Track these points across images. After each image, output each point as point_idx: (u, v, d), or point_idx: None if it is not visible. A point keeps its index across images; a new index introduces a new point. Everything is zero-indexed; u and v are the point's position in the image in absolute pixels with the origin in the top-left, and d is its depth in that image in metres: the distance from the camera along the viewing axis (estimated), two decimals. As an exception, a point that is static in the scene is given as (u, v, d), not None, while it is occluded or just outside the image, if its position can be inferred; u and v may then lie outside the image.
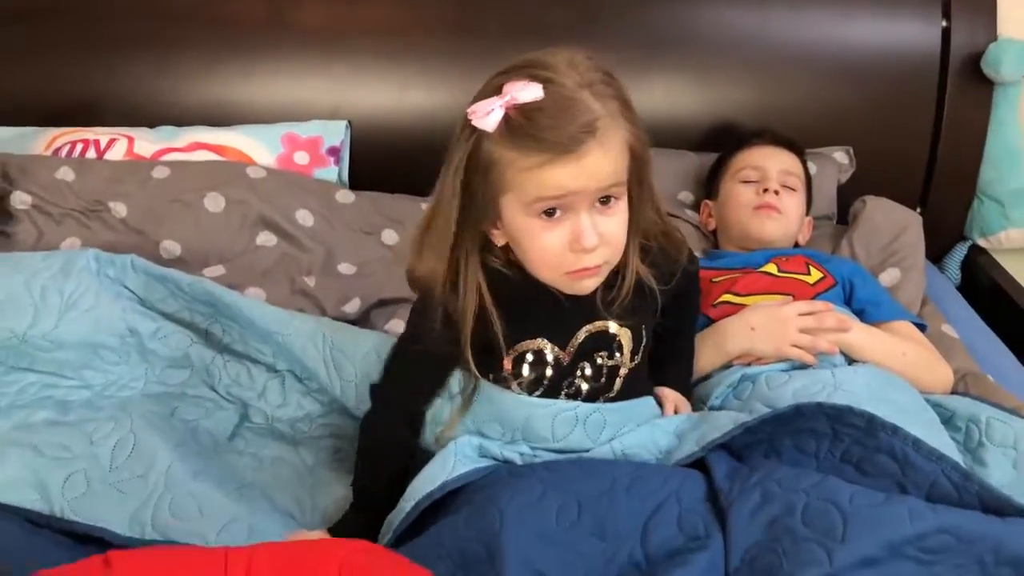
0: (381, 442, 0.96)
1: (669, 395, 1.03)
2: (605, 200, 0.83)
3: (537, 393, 0.93)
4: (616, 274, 0.90)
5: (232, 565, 0.59)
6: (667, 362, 1.05)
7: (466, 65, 1.51)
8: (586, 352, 0.92)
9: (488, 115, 0.79)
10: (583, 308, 0.91)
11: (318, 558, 0.59)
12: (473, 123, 0.80)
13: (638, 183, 0.87)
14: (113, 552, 0.60)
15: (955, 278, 1.66)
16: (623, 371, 0.94)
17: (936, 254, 1.67)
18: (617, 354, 0.93)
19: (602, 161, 0.80)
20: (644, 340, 0.96)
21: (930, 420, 1.02)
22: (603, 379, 0.94)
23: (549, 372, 0.92)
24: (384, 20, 1.65)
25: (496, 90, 0.80)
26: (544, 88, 0.79)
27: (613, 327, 0.92)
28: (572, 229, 0.82)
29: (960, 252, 1.67)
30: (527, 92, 0.78)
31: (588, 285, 0.88)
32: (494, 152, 0.81)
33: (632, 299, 0.92)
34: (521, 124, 0.78)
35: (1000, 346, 1.36)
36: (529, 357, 0.92)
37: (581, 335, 0.92)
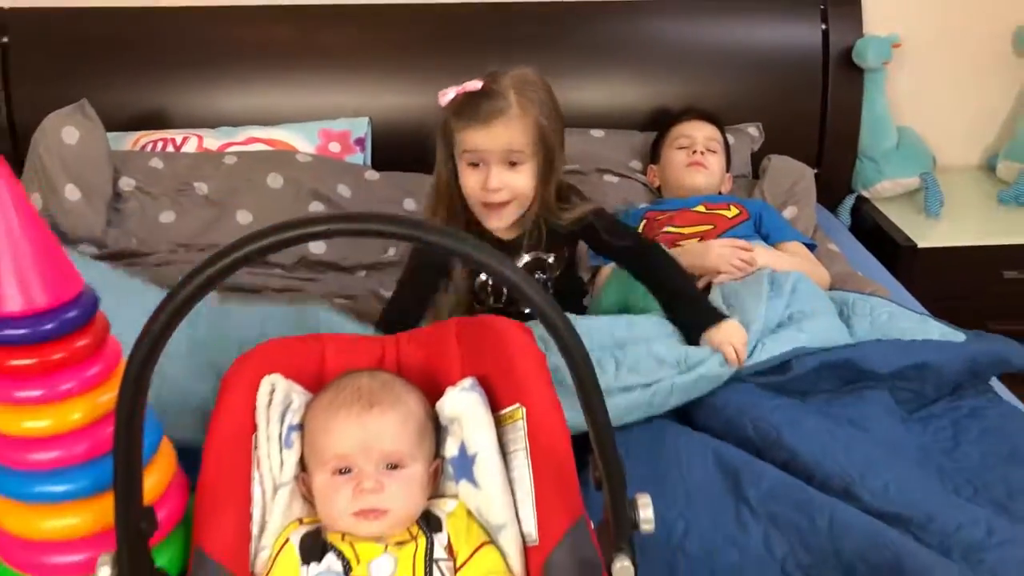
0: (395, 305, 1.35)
1: (715, 341, 1.22)
2: (513, 163, 1.23)
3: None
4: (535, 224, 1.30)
5: (387, 345, 1.01)
6: (672, 304, 1.29)
7: (455, 72, 1.94)
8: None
9: (446, 96, 1.25)
10: (511, 248, 1.32)
11: (438, 329, 1.00)
12: (439, 101, 1.25)
13: (545, 159, 1.25)
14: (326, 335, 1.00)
15: (846, 222, 2.12)
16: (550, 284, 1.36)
17: (831, 204, 2.13)
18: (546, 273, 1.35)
19: (504, 133, 1.20)
20: (562, 263, 1.36)
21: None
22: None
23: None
24: (391, 39, 2.06)
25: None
26: (484, 83, 1.23)
27: (526, 257, 1.33)
28: (484, 175, 1.23)
29: (849, 201, 2.14)
30: (472, 84, 1.23)
31: (494, 222, 1.28)
32: (449, 122, 1.25)
33: (547, 239, 1.31)
34: (462, 103, 1.23)
35: (868, 255, 1.85)
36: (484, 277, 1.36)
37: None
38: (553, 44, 2.05)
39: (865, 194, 2.14)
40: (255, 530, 0.87)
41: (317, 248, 1.73)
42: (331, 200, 1.84)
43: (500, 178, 1.23)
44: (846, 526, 0.99)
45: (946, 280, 1.92)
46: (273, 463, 0.90)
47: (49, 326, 0.78)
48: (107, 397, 0.83)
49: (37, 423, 0.81)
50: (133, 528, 0.72)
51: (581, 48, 2.06)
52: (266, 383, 0.93)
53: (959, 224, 2.02)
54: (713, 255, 1.51)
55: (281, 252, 1.56)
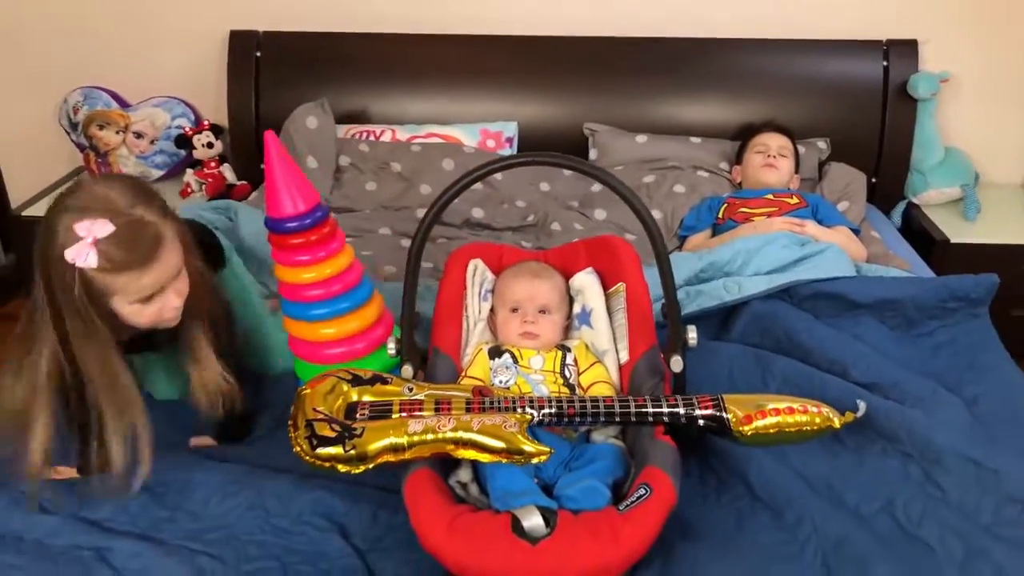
0: None
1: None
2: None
3: None
4: None
5: (538, 254, 1.60)
6: None
7: (585, 90, 2.56)
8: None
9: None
10: None
11: (571, 245, 1.59)
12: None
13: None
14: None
15: (897, 223, 2.59)
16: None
17: (886, 208, 2.61)
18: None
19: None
20: None
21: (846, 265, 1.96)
22: None
23: None
24: (536, 63, 2.64)
25: None
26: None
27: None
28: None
29: (900, 206, 2.60)
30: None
31: None
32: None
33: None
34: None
35: (906, 244, 2.32)
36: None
37: None
38: (664, 71, 2.62)
39: (915, 201, 2.60)
40: (463, 344, 1.47)
41: (477, 212, 2.35)
42: (487, 181, 2.45)
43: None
44: (832, 386, 1.50)
45: (973, 271, 2.34)
46: (474, 308, 1.51)
47: (308, 220, 1.39)
48: (343, 259, 1.44)
49: (308, 275, 1.43)
50: (409, 323, 1.34)
51: (687, 75, 2.61)
52: (471, 264, 1.54)
53: (991, 227, 2.45)
54: (776, 225, 2.05)
55: (452, 214, 2.20)
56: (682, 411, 1.21)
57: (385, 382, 1.28)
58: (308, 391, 1.23)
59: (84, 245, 1.14)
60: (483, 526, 1.10)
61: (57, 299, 1.17)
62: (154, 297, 1.23)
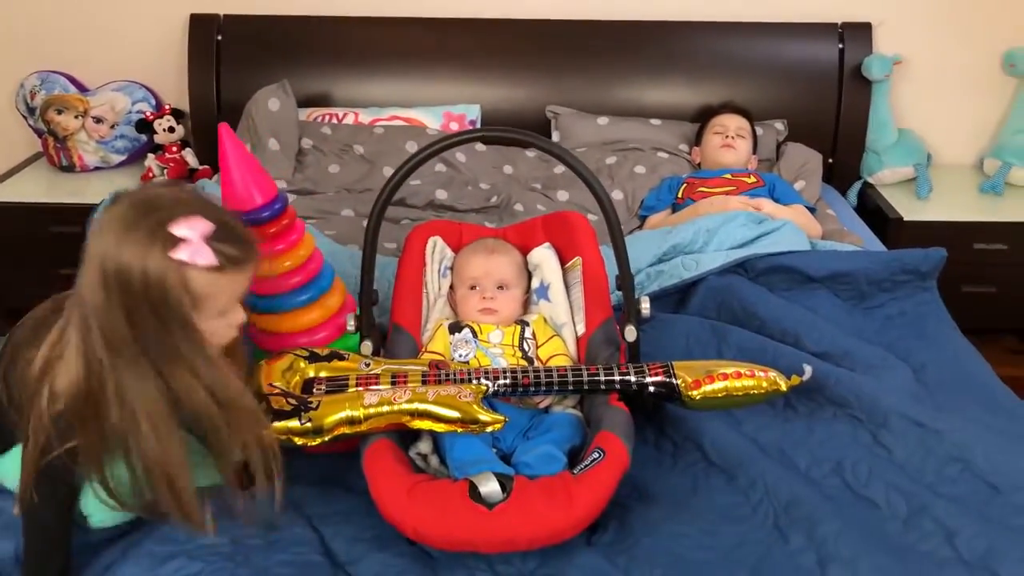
0: None
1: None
2: None
3: None
4: None
5: (497, 231, 1.62)
6: None
7: (547, 73, 2.58)
8: None
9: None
10: None
11: (529, 222, 1.61)
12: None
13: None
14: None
15: (853, 202, 2.64)
16: None
17: (841, 188, 2.66)
18: None
19: None
20: None
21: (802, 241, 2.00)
22: None
23: None
24: (499, 46, 2.66)
25: None
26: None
27: None
28: None
29: (856, 186, 2.66)
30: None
31: None
32: None
33: None
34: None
35: (860, 222, 2.38)
36: None
37: None
38: (625, 54, 2.65)
39: (870, 180, 2.66)
40: (423, 321, 1.49)
41: (441, 193, 2.36)
42: (450, 162, 2.47)
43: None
44: (785, 355, 1.54)
45: (926, 248, 2.42)
46: (433, 285, 1.52)
47: (266, 213, 1.34)
48: (303, 251, 1.42)
49: (284, 264, 1.43)
50: (367, 299, 1.35)
51: (647, 57, 2.64)
52: (431, 241, 1.56)
53: (942, 206, 2.51)
54: (732, 204, 2.09)
55: (416, 195, 2.21)
56: (633, 378, 1.24)
57: (342, 358, 1.30)
58: (264, 367, 1.24)
59: (196, 244, 1.01)
60: (441, 493, 1.12)
61: (146, 327, 1.01)
62: (229, 311, 1.10)
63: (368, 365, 1.29)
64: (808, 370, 1.30)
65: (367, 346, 1.35)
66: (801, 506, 1.25)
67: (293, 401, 1.17)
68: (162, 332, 1.02)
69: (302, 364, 1.27)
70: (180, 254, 1.00)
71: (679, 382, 1.23)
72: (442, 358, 1.39)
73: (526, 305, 1.53)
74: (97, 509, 1.14)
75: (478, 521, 1.09)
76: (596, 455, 1.14)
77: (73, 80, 2.72)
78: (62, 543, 1.12)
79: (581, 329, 1.45)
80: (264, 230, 1.38)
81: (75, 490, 1.11)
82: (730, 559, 1.20)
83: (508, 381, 1.24)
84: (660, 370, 1.25)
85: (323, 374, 1.27)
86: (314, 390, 1.24)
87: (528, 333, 1.45)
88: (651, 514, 1.24)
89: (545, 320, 1.48)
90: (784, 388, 1.24)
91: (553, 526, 1.10)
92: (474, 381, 1.23)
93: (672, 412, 1.43)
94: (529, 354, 1.43)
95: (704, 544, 1.22)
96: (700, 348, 1.62)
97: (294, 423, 1.16)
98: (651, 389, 1.25)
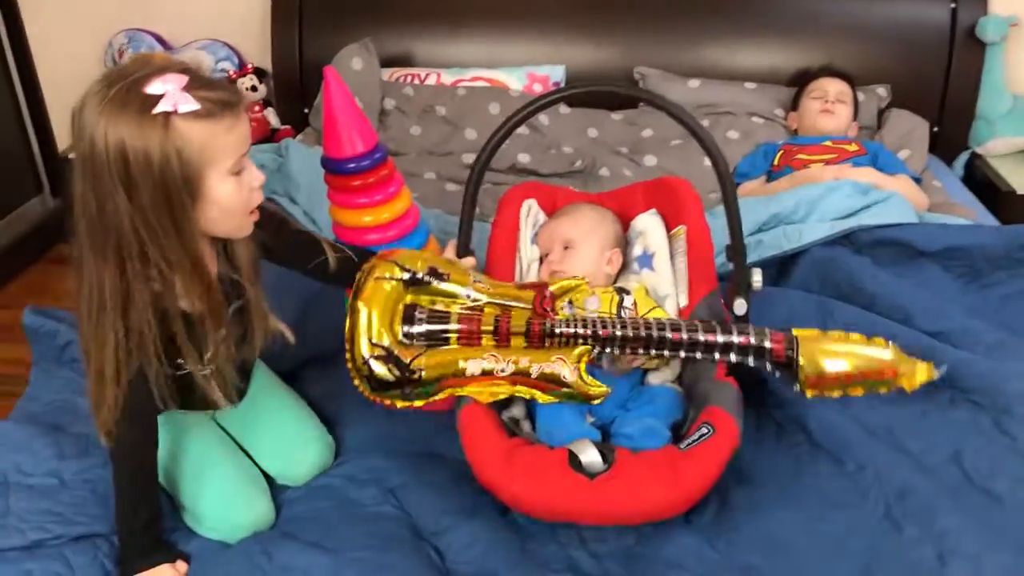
0: None
1: None
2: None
3: None
4: None
5: (592, 197, 1.56)
6: None
7: (633, 31, 2.48)
8: None
9: None
10: None
11: (629, 188, 1.54)
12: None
13: None
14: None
15: (959, 173, 2.49)
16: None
17: (948, 158, 2.51)
18: None
19: None
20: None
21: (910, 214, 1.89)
22: None
23: None
24: (584, 5, 2.58)
25: None
26: None
27: None
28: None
29: (964, 156, 2.50)
30: None
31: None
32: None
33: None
34: None
35: (969, 193, 2.23)
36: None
37: None
38: (717, 12, 2.52)
39: (979, 151, 2.50)
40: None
41: (523, 157, 2.30)
42: (533, 126, 2.40)
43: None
44: (897, 335, 1.44)
45: (1039, 224, 2.27)
46: (526, 250, 1.47)
47: (367, 161, 1.35)
48: (400, 203, 1.41)
49: (367, 218, 1.40)
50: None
51: (740, 16, 2.51)
52: (525, 204, 1.51)
53: (1060, 180, 2.35)
54: (829, 174, 1.98)
55: (498, 159, 2.15)
56: (753, 340, 1.16)
57: (440, 277, 1.23)
58: (363, 307, 1.18)
59: (175, 92, 1.00)
60: (540, 460, 1.08)
61: (141, 200, 1.02)
62: (242, 170, 1.09)
63: (470, 296, 1.23)
64: (943, 368, 1.21)
65: (470, 261, 1.33)
66: (916, 495, 1.17)
67: (396, 371, 1.15)
68: (163, 205, 1.03)
69: (401, 289, 1.21)
70: (162, 107, 0.99)
71: (800, 376, 1.15)
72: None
73: (623, 270, 1.46)
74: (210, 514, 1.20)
75: (579, 491, 1.05)
76: (705, 430, 1.08)
77: (159, 39, 2.73)
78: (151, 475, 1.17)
79: (684, 301, 1.38)
80: (364, 178, 1.35)
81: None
82: (837, 549, 1.13)
83: (619, 333, 1.16)
84: (781, 344, 1.17)
85: (423, 301, 1.21)
86: (416, 316, 1.19)
87: (628, 302, 1.38)
88: (754, 498, 1.19)
89: (647, 291, 1.42)
90: (908, 389, 1.16)
91: (657, 502, 1.05)
92: (580, 341, 1.17)
93: (772, 386, 1.36)
94: (627, 324, 1.37)
95: (809, 530, 1.15)
96: (804, 325, 1.52)
97: (395, 392, 1.14)
98: (768, 368, 1.17)
